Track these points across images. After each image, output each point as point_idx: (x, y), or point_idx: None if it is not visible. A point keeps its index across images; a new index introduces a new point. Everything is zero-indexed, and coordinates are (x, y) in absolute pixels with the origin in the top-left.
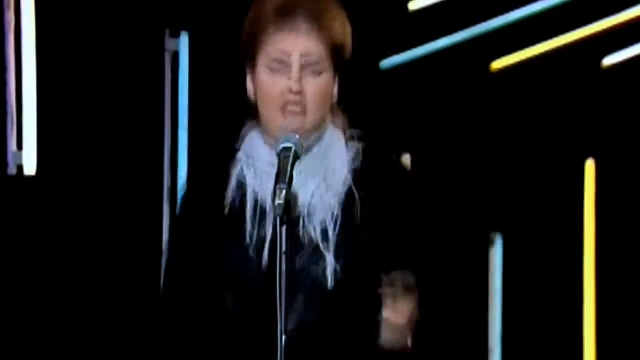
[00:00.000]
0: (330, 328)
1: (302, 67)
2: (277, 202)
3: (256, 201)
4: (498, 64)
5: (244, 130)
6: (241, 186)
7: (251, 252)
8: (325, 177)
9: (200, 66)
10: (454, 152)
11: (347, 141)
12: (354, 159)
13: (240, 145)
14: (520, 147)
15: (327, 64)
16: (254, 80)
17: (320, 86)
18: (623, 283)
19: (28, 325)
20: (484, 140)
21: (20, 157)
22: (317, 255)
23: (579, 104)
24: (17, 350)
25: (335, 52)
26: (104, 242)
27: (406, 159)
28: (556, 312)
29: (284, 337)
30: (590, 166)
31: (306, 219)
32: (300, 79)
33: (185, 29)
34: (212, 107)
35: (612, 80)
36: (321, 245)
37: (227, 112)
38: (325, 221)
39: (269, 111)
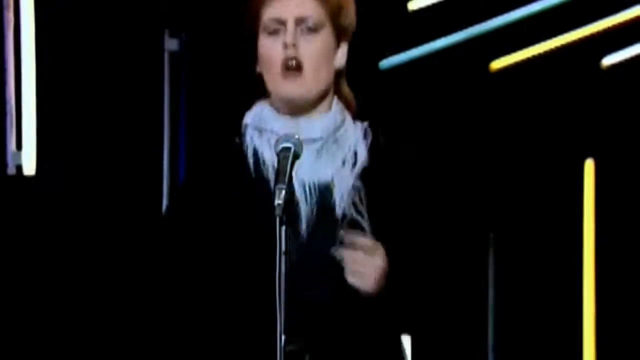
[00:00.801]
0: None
1: (298, 25)
2: (277, 202)
3: (274, 166)
4: (497, 64)
5: (254, 106)
6: (255, 154)
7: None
8: (345, 160)
9: (200, 66)
10: (453, 152)
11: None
12: (364, 139)
13: (248, 118)
14: (519, 146)
15: (324, 24)
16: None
17: (315, 43)
18: (623, 282)
19: (27, 324)
20: (483, 140)
21: (19, 157)
22: (353, 228)
23: (578, 103)
24: (17, 350)
25: (334, 14)
26: (104, 242)
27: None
28: (556, 312)
29: (283, 337)
30: (589, 166)
31: (335, 195)
32: (294, 35)
33: (184, 29)
34: (212, 107)
35: (612, 80)
36: (356, 215)
37: (226, 112)
38: (354, 199)
39: (270, 75)
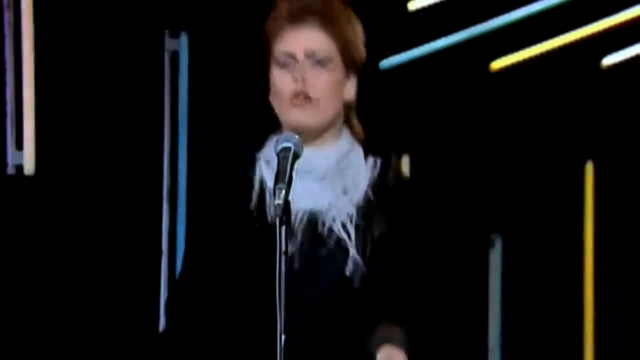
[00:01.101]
0: (342, 318)
1: (307, 58)
2: (276, 202)
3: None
4: (497, 64)
5: (269, 138)
6: (261, 186)
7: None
8: (345, 189)
9: (200, 66)
10: (453, 153)
11: (365, 154)
12: (372, 169)
13: (262, 150)
14: (519, 147)
15: (334, 58)
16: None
17: (325, 76)
18: (622, 284)
19: (27, 325)
20: (484, 141)
21: (19, 157)
22: (339, 248)
23: (578, 103)
24: (17, 350)
25: (344, 47)
26: (103, 242)
27: (405, 161)
28: (556, 313)
29: (283, 337)
30: (589, 168)
31: (325, 219)
32: (304, 69)
33: (184, 29)
34: (212, 107)
35: (612, 80)
36: (344, 235)
37: (226, 112)
38: (344, 220)
39: (279, 107)
